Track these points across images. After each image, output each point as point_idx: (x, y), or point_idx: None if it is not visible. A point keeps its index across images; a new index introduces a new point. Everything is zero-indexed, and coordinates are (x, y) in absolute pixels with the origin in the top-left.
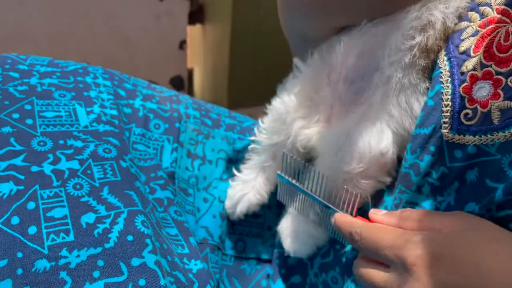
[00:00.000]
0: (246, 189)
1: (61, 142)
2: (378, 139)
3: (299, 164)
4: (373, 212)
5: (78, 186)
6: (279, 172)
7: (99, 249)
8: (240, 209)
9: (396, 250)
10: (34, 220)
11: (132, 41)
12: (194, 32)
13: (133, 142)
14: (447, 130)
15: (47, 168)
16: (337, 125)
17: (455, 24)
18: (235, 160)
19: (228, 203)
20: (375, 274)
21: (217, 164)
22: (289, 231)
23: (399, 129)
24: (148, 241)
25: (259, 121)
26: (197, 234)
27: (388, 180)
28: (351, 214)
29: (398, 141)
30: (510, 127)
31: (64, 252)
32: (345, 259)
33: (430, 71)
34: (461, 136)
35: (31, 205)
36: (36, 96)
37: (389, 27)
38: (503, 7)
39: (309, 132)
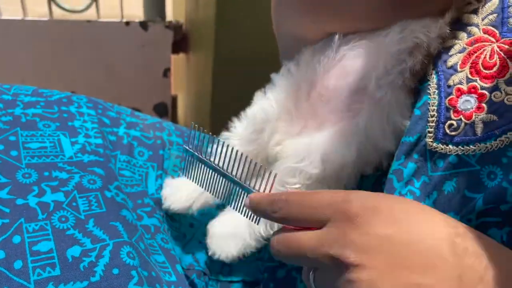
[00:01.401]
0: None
1: (46, 173)
2: (345, 153)
3: (208, 138)
4: (293, 188)
5: (63, 219)
6: (185, 146)
7: (85, 283)
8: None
9: (335, 205)
10: (20, 255)
11: (116, 69)
12: (178, 61)
13: (119, 168)
14: (431, 139)
15: (32, 201)
16: (307, 135)
17: (442, 43)
18: None
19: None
20: (305, 236)
21: None
22: (216, 230)
23: (369, 147)
24: (133, 272)
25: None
26: (184, 260)
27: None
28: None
29: (363, 158)
30: (492, 139)
31: (50, 286)
32: None
33: (415, 88)
34: (444, 145)
35: (16, 239)
36: (21, 127)
37: (370, 50)
38: (489, 27)
39: (284, 143)
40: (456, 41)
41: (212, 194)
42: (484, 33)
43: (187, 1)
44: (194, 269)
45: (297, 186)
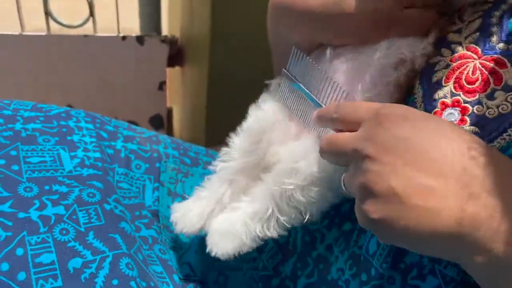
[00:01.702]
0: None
1: (47, 187)
2: None
3: (307, 63)
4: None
5: (64, 232)
6: (284, 69)
7: None
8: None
9: (372, 110)
10: (23, 266)
11: (113, 82)
12: (173, 74)
13: (117, 181)
14: None
15: (34, 214)
16: (305, 138)
17: (427, 61)
18: None
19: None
20: (344, 134)
21: None
22: (214, 227)
23: None
24: (132, 283)
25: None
26: (181, 271)
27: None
28: None
29: None
30: None
31: None
32: (330, 278)
33: (402, 101)
34: None
35: (19, 251)
36: (21, 141)
37: (359, 65)
38: (472, 45)
39: (281, 149)
40: (441, 57)
41: (294, 114)
42: (467, 50)
43: (183, 16)
44: (190, 279)
45: (291, 187)
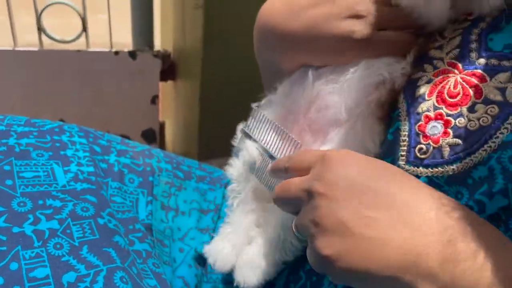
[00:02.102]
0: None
1: (41, 202)
2: None
3: (268, 124)
4: None
5: (58, 246)
6: (244, 128)
7: None
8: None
9: (318, 153)
10: (17, 281)
11: (105, 96)
12: (166, 88)
13: (110, 195)
14: (403, 162)
15: (28, 229)
16: None
17: (410, 75)
18: (206, 210)
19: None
20: (295, 180)
21: (190, 215)
22: (241, 259)
23: None
24: None
25: (229, 167)
26: (174, 285)
27: None
28: None
29: None
30: (457, 161)
31: None
32: None
33: (385, 117)
34: (415, 168)
35: (14, 266)
36: (15, 156)
37: (342, 85)
38: (453, 61)
39: None
40: (424, 73)
41: (253, 171)
42: (449, 66)
43: (175, 31)
44: None
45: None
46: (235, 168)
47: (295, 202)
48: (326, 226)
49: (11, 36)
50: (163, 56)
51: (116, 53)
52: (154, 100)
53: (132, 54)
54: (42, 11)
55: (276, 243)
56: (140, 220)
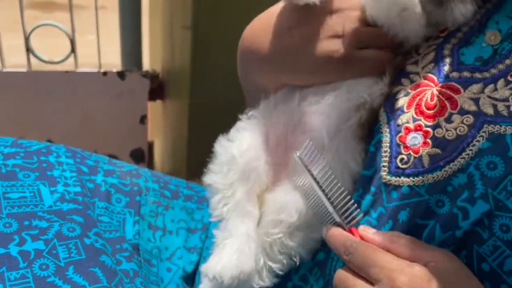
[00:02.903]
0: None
1: (26, 223)
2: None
3: (319, 159)
4: (363, 229)
5: (44, 267)
6: (298, 154)
7: None
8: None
9: (388, 272)
10: None
11: (94, 117)
12: (154, 107)
13: (97, 214)
14: (385, 173)
15: (14, 250)
16: (282, 188)
17: (386, 96)
18: (194, 229)
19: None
20: (360, 285)
21: (177, 234)
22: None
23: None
24: None
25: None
26: None
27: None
28: (347, 226)
29: None
30: (437, 170)
31: None
32: None
33: (366, 135)
34: (397, 178)
35: None
36: (1, 177)
37: (325, 108)
38: (428, 74)
39: (265, 196)
40: (402, 86)
41: (306, 202)
42: (425, 79)
43: (164, 51)
44: None
45: (279, 235)
46: (218, 174)
47: None
48: None
49: None
50: (152, 76)
51: (105, 73)
52: (143, 119)
53: (120, 75)
54: (30, 32)
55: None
56: (127, 240)
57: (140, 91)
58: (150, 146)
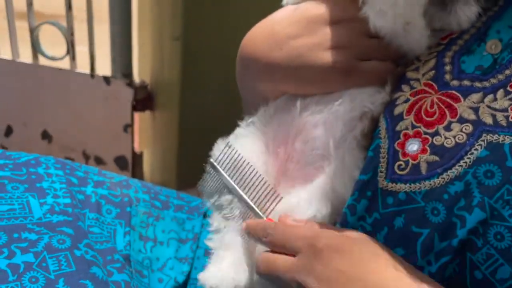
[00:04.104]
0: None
1: (16, 235)
2: (319, 208)
3: (236, 158)
4: (283, 216)
5: (34, 279)
6: (212, 160)
7: None
8: None
9: (306, 240)
10: None
11: (83, 116)
12: (143, 118)
13: (88, 226)
14: (382, 178)
15: (3, 263)
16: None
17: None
18: (185, 239)
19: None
20: (281, 259)
21: (168, 244)
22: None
23: (335, 200)
24: None
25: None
26: None
27: None
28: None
29: (334, 211)
30: (434, 177)
31: None
32: None
33: (369, 144)
34: (394, 184)
35: None
36: None
37: (328, 117)
38: (429, 81)
39: None
40: (402, 93)
41: (224, 208)
42: (425, 86)
43: (153, 62)
44: None
45: None
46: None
47: (283, 283)
48: None
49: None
50: (139, 87)
51: (92, 76)
52: (126, 128)
53: (106, 79)
54: (36, 26)
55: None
56: (118, 251)
57: (124, 99)
58: (139, 157)
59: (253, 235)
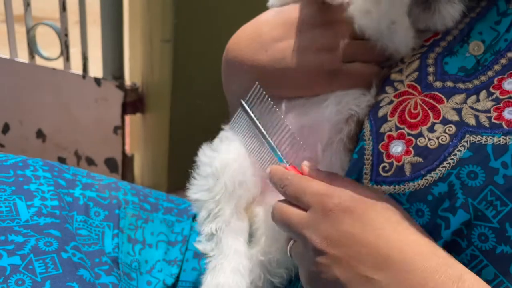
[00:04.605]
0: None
1: (2, 238)
2: None
3: (267, 104)
4: (305, 164)
5: (20, 282)
6: (243, 101)
7: None
8: None
9: (319, 197)
10: None
11: (76, 116)
12: (134, 121)
13: (76, 228)
14: (367, 180)
15: None
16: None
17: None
18: (174, 241)
19: None
20: (294, 212)
21: (157, 247)
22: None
23: None
24: None
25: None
26: None
27: None
28: (288, 164)
29: None
30: (418, 178)
31: None
32: None
33: (355, 147)
34: (379, 186)
35: None
36: None
37: (315, 120)
38: (412, 83)
39: (255, 210)
40: (386, 94)
41: (247, 148)
42: (408, 87)
43: (144, 64)
44: None
45: (276, 253)
46: (204, 188)
47: (292, 233)
48: (322, 280)
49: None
50: (130, 89)
51: (84, 77)
52: (116, 131)
53: (97, 81)
54: (32, 27)
55: (256, 284)
56: (106, 253)
57: (114, 101)
58: (131, 159)
59: (272, 182)
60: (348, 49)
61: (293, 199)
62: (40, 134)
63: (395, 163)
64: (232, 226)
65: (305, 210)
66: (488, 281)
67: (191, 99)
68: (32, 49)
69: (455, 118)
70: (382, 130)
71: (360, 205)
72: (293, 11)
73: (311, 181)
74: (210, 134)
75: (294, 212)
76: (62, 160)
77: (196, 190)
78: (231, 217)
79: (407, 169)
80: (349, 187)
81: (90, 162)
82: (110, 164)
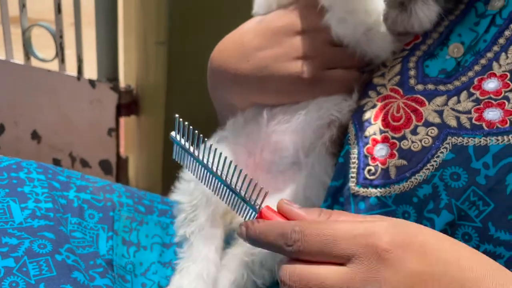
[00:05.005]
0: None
1: None
2: None
3: (195, 135)
4: (284, 203)
5: (14, 284)
6: (172, 134)
7: None
8: None
9: (361, 239)
10: None
11: (70, 118)
12: (129, 123)
13: (70, 230)
14: (353, 184)
15: None
16: None
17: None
18: (169, 243)
19: None
20: (325, 271)
21: (152, 249)
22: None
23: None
24: None
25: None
26: None
27: None
28: (258, 208)
29: None
30: (403, 181)
31: None
32: None
33: (339, 151)
34: (365, 189)
35: None
36: None
37: (296, 126)
38: (394, 87)
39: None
40: (369, 99)
41: (210, 189)
42: (391, 91)
43: (138, 67)
44: None
45: (260, 254)
46: (185, 192)
47: None
48: None
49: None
50: (124, 91)
51: (78, 78)
52: (110, 133)
53: (91, 82)
54: (27, 28)
55: (238, 283)
56: (101, 256)
57: (108, 103)
58: (125, 162)
59: (267, 243)
60: (327, 56)
61: (315, 255)
62: (35, 135)
63: (380, 166)
64: (206, 232)
65: (338, 263)
66: None
67: (185, 102)
68: (28, 51)
69: (437, 120)
70: (366, 133)
71: (415, 236)
72: (273, 20)
73: (333, 223)
74: (205, 136)
75: (327, 272)
76: (57, 161)
77: (179, 193)
78: (206, 223)
79: (392, 172)
80: (378, 221)
81: (85, 164)
82: (105, 166)
